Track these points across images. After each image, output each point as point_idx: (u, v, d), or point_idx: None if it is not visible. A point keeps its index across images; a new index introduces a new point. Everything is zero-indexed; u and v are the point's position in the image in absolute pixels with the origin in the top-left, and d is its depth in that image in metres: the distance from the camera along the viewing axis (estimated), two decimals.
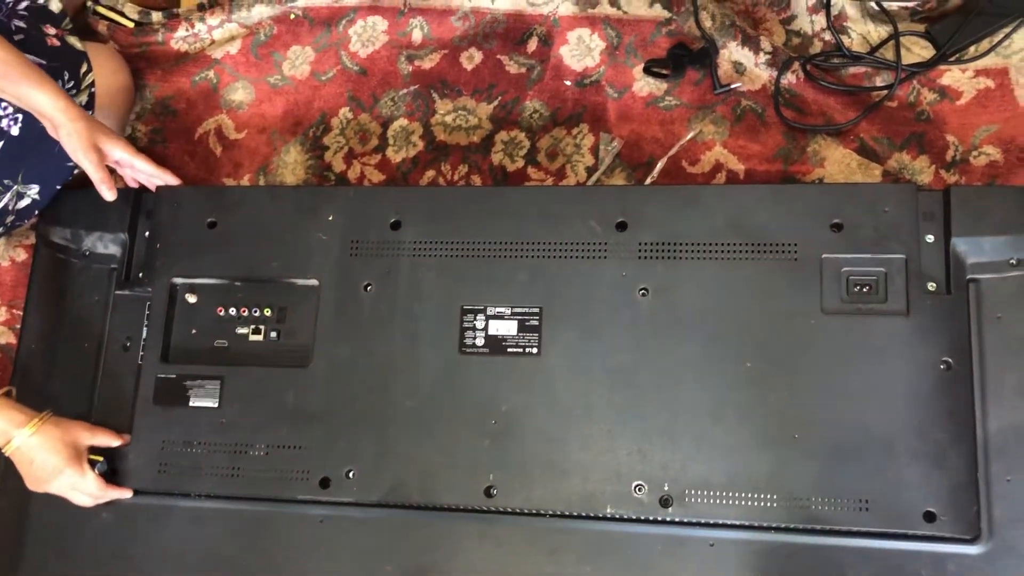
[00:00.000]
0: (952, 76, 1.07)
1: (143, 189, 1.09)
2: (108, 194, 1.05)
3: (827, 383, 0.89)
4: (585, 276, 0.96)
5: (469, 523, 0.93)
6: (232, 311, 1.03)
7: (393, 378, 0.97)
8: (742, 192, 0.96)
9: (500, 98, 1.16)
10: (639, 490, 0.90)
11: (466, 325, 0.97)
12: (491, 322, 0.96)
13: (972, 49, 1.07)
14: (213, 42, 1.27)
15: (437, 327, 0.97)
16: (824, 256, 0.92)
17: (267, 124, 1.21)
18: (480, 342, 0.96)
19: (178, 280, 1.04)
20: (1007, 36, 1.05)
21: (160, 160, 1.21)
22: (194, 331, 1.04)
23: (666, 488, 0.89)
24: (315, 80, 1.23)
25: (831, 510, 0.87)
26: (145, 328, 1.04)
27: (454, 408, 0.95)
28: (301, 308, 1.02)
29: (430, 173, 1.15)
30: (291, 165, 1.19)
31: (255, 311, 1.02)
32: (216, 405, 1.00)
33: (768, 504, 0.88)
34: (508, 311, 0.96)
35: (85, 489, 0.96)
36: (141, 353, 1.03)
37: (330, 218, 1.02)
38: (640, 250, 0.95)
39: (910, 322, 0.89)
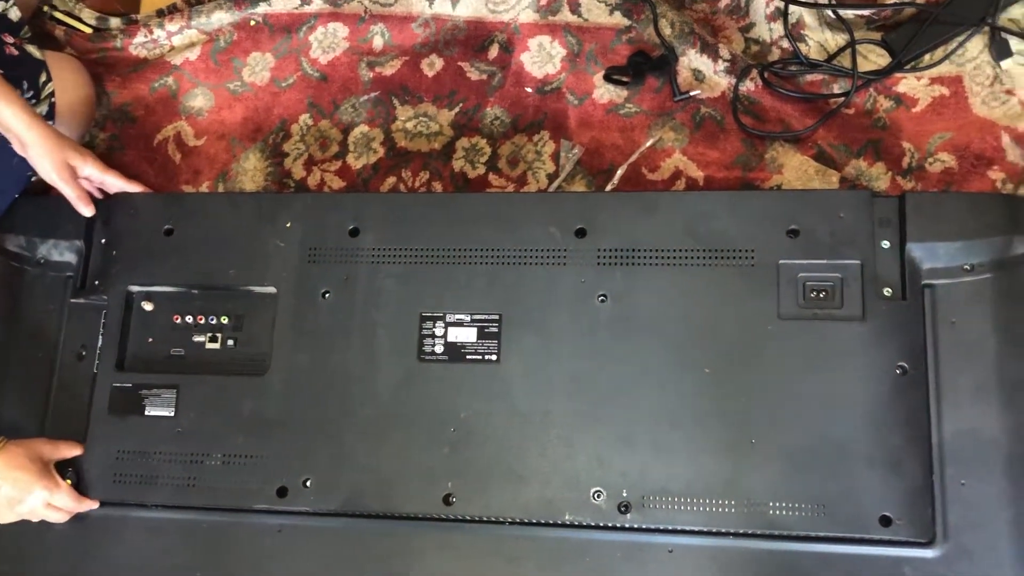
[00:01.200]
0: (908, 84, 1.08)
1: (104, 196, 1.08)
2: (86, 210, 1.04)
3: (784, 388, 0.89)
4: (544, 282, 0.96)
5: (428, 532, 0.93)
6: (189, 319, 1.02)
7: (351, 386, 0.96)
8: (700, 199, 0.96)
9: (461, 105, 1.16)
10: (597, 496, 0.90)
11: (425, 332, 0.96)
12: (450, 329, 0.96)
13: (927, 57, 1.08)
14: (172, 48, 1.26)
15: (396, 334, 0.97)
16: (781, 262, 0.92)
17: (226, 131, 1.20)
18: (439, 349, 0.95)
19: (134, 288, 1.03)
20: (960, 45, 1.06)
21: (119, 167, 1.20)
22: (150, 339, 1.03)
23: (624, 494, 0.89)
24: (275, 87, 1.22)
25: (788, 515, 0.87)
26: (100, 336, 1.02)
27: (412, 416, 0.95)
28: (259, 316, 1.01)
29: (391, 180, 1.14)
30: (250, 172, 1.18)
31: (212, 319, 1.02)
32: (172, 414, 0.98)
33: (726, 509, 0.88)
34: (467, 318, 0.96)
35: (60, 502, 0.95)
36: (96, 362, 1.01)
37: (288, 225, 1.02)
38: (599, 256, 0.95)
39: (866, 327, 0.90)
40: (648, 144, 1.10)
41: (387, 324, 0.97)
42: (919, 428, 0.87)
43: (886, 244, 0.91)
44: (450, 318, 0.96)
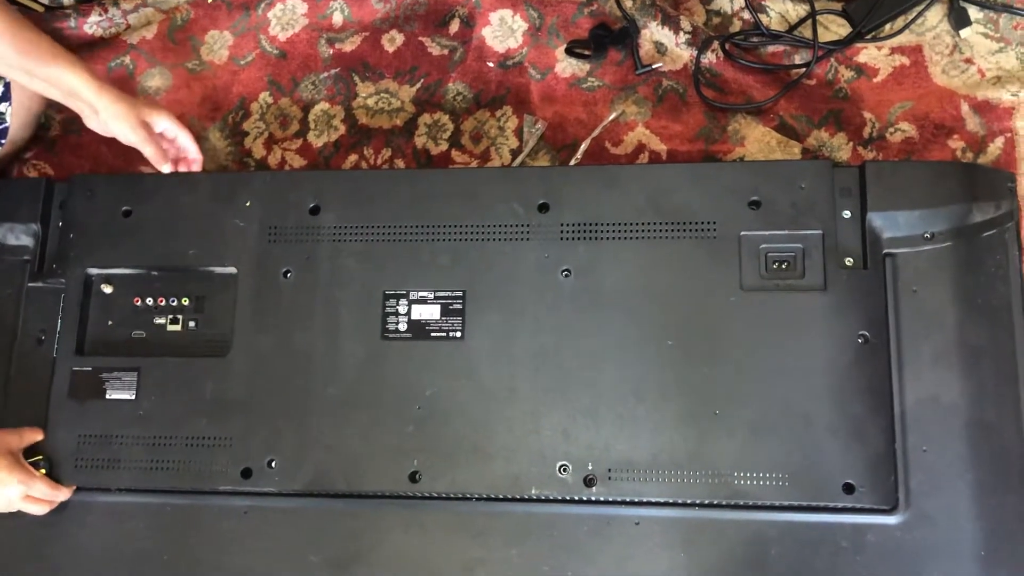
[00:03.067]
0: (868, 54, 1.08)
1: (54, 179, 1.06)
2: (165, 167, 1.04)
3: (747, 359, 0.90)
4: (508, 258, 0.95)
5: (394, 510, 0.92)
6: (149, 301, 1.01)
7: (314, 365, 0.96)
8: (661, 172, 0.96)
9: (423, 80, 1.15)
10: (563, 470, 0.90)
11: (388, 310, 0.96)
12: (414, 307, 0.95)
13: (887, 27, 1.08)
14: (128, 27, 1.24)
15: (358, 313, 0.96)
16: (742, 233, 0.92)
17: (185, 110, 1.18)
18: (403, 327, 0.95)
19: (93, 271, 1.02)
20: (920, 14, 1.07)
21: (75, 149, 1.18)
22: (110, 322, 1.01)
23: (590, 467, 0.90)
24: (234, 65, 1.20)
25: (752, 484, 0.88)
26: (60, 320, 1.00)
27: (377, 394, 0.94)
28: (220, 296, 1.00)
29: (352, 157, 1.13)
30: (210, 152, 1.16)
31: (173, 301, 1.01)
32: (133, 397, 0.98)
33: (691, 480, 0.89)
34: (431, 295, 0.95)
35: (39, 493, 0.93)
36: (56, 346, 1.00)
37: (247, 204, 1.01)
38: (562, 231, 0.95)
39: (827, 297, 0.90)
40: (611, 118, 1.10)
41: (350, 303, 0.97)
42: (881, 396, 0.88)
43: (847, 214, 0.92)
44: (413, 295, 0.96)
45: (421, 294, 0.96)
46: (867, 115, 1.06)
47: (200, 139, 1.17)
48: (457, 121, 1.13)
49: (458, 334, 0.94)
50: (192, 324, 1.01)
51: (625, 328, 0.92)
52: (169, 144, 1.07)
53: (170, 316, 1.01)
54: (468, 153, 1.12)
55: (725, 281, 0.92)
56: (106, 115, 0.99)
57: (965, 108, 1.04)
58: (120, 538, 0.96)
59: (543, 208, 0.96)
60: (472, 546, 0.93)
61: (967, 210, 0.92)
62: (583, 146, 1.08)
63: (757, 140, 1.06)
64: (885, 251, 0.91)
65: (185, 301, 1.01)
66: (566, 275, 0.94)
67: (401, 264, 0.97)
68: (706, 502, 0.89)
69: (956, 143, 1.03)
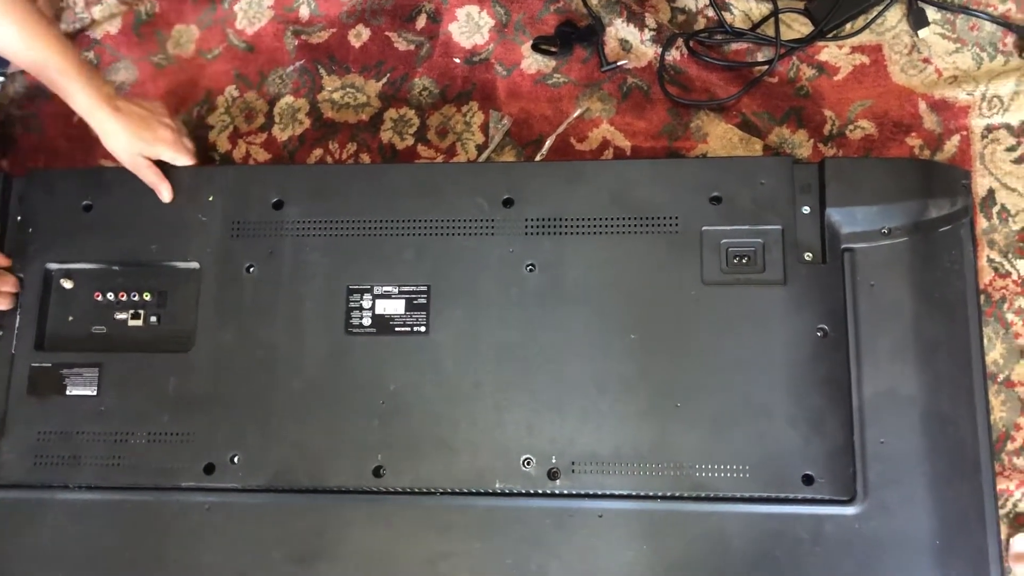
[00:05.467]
0: (830, 52, 1.09)
1: (12, 174, 1.04)
2: (166, 195, 1.00)
3: (708, 352, 0.91)
4: (473, 253, 0.96)
5: (358, 505, 0.92)
6: (110, 296, 1.00)
7: (278, 361, 0.96)
8: (624, 167, 0.97)
9: (389, 75, 1.15)
10: (527, 464, 0.90)
11: (352, 305, 0.96)
12: (378, 301, 0.95)
13: (848, 26, 1.10)
14: (93, 21, 1.22)
15: (322, 308, 0.96)
16: (704, 228, 0.93)
17: None
18: (367, 322, 0.95)
19: (53, 265, 1.01)
20: (880, 14, 1.08)
21: (35, 147, 1.17)
22: (71, 318, 1.00)
23: (554, 461, 0.90)
24: (201, 58, 1.19)
25: (714, 476, 0.89)
26: (18, 316, 0.99)
27: (341, 389, 0.94)
28: (182, 292, 1.00)
29: (317, 152, 1.13)
30: None
31: (134, 296, 1.00)
32: (95, 393, 0.97)
33: (653, 473, 0.90)
34: (395, 290, 0.96)
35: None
36: (14, 342, 0.99)
37: (210, 199, 1.00)
38: (527, 226, 0.96)
39: (787, 291, 0.92)
40: (576, 114, 1.10)
41: (313, 298, 0.97)
42: (839, 389, 0.90)
43: (807, 209, 0.93)
44: (378, 290, 0.96)
45: (385, 289, 0.96)
46: (828, 113, 1.07)
47: None
48: (423, 116, 1.13)
49: (422, 329, 0.94)
50: (154, 319, 1.00)
51: (589, 322, 0.93)
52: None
53: (132, 311, 1.00)
54: (434, 148, 1.12)
55: (687, 275, 0.93)
56: (106, 139, 0.98)
57: (923, 107, 1.06)
58: (81, 536, 0.95)
59: (508, 203, 0.96)
60: (436, 540, 0.93)
61: (924, 206, 0.93)
62: (548, 142, 1.09)
63: (720, 137, 1.07)
64: (844, 246, 0.92)
65: (147, 296, 1.00)
66: (531, 269, 0.94)
67: (365, 259, 0.97)
68: (668, 494, 0.89)
69: (914, 141, 1.05)
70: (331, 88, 1.16)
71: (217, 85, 1.18)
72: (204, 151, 1.15)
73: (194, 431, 0.95)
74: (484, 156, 1.10)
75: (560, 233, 0.95)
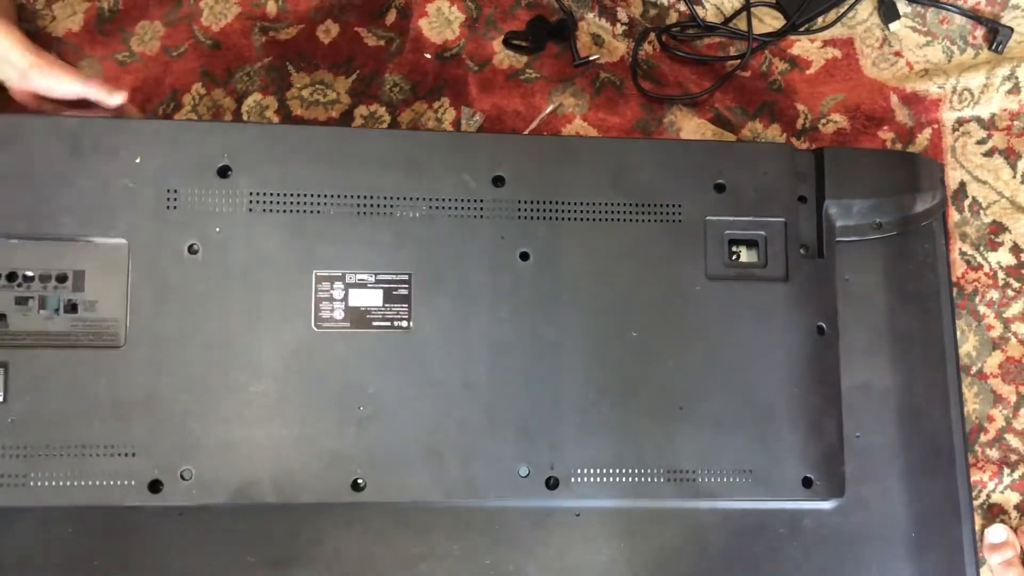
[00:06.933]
0: (802, 46, 1.09)
1: None
2: (118, 96, 0.90)
3: (712, 351, 0.86)
4: (460, 237, 0.85)
5: (334, 510, 0.85)
6: (13, 278, 0.83)
7: (233, 358, 0.82)
8: (624, 146, 0.90)
9: (359, 72, 1.13)
10: (523, 473, 0.85)
11: (321, 295, 0.84)
12: (351, 291, 0.83)
13: (820, 20, 1.10)
14: (54, 19, 1.20)
15: (285, 297, 0.83)
16: (708, 218, 0.89)
17: None
18: (339, 315, 0.83)
19: None
20: (852, 7, 1.08)
21: None
22: None
23: (552, 469, 0.85)
24: (166, 56, 1.17)
25: (716, 482, 0.85)
26: None
27: (311, 392, 0.82)
28: (106, 274, 0.82)
29: None
30: None
31: (44, 278, 0.83)
32: (1, 399, 0.81)
33: (656, 479, 0.85)
34: (371, 278, 0.84)
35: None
36: None
37: (137, 160, 0.82)
38: (520, 209, 0.86)
39: (789, 287, 0.88)
40: (549, 110, 1.09)
41: (274, 286, 0.83)
42: (833, 387, 0.88)
43: (804, 200, 0.90)
44: (351, 278, 0.84)
45: (360, 277, 0.84)
46: (800, 107, 1.07)
47: None
48: (394, 112, 1.12)
49: (404, 323, 0.84)
50: (71, 308, 0.83)
51: (587, 318, 0.86)
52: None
53: (42, 296, 0.83)
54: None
55: (690, 269, 0.88)
56: (41, 66, 0.88)
57: (894, 100, 1.06)
58: (46, 544, 0.86)
59: (498, 181, 0.86)
60: (413, 542, 0.91)
61: (913, 200, 0.93)
62: None
63: (693, 132, 1.07)
64: (838, 239, 0.90)
65: (61, 279, 0.83)
66: (525, 258, 0.86)
67: (335, 240, 0.84)
68: (672, 503, 0.86)
69: (886, 134, 1.05)
70: (300, 85, 1.14)
71: (183, 83, 1.16)
72: None
73: (133, 442, 0.81)
74: None
75: (556, 219, 0.87)
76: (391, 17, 1.15)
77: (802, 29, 1.09)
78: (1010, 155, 1.05)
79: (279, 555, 0.92)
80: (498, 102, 1.10)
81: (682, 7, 1.12)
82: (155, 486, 0.81)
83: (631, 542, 0.91)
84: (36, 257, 0.83)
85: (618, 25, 1.10)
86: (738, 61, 1.08)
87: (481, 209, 0.86)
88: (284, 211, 0.84)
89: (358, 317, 0.84)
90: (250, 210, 0.83)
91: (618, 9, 1.11)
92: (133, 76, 1.17)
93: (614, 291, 0.87)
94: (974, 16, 1.07)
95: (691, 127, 1.07)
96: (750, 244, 0.89)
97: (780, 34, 1.08)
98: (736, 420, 0.86)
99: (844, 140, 1.05)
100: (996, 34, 1.07)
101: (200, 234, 0.82)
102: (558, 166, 0.87)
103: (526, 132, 1.08)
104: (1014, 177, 1.04)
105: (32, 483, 0.80)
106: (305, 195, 0.84)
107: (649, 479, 0.86)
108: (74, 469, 0.81)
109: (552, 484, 0.85)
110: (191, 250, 0.83)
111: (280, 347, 0.83)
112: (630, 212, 0.88)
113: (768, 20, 1.10)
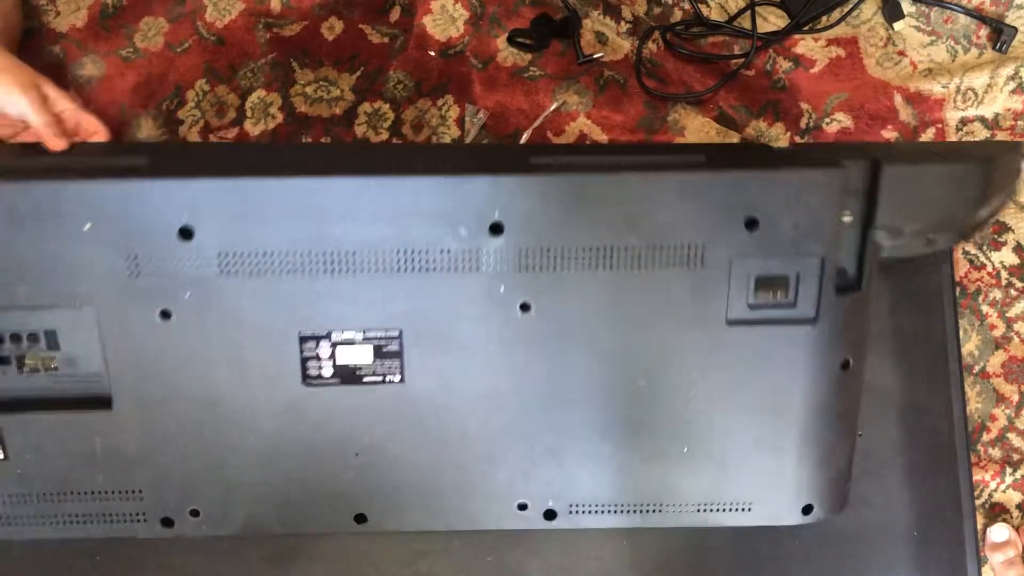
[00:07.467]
0: (806, 45, 1.09)
1: None
2: (59, 143, 0.85)
3: (723, 397, 0.81)
4: (455, 292, 0.76)
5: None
6: None
7: (225, 415, 0.79)
8: (644, 184, 0.75)
9: (363, 68, 1.14)
10: (523, 509, 0.83)
11: (307, 355, 0.78)
12: (339, 349, 0.77)
13: (824, 19, 1.10)
14: (57, 14, 1.20)
15: (269, 358, 0.77)
16: (734, 259, 0.76)
17: (117, 98, 1.15)
18: (328, 372, 0.78)
19: None
20: (856, 6, 1.08)
21: None
22: None
23: (551, 504, 0.83)
24: (170, 52, 1.17)
25: (714, 512, 0.84)
26: None
27: (307, 443, 0.80)
28: (79, 332, 0.77)
29: None
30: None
31: (15, 338, 0.78)
32: (2, 456, 0.80)
33: (654, 511, 0.84)
34: (359, 336, 0.77)
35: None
36: None
37: (87, 227, 0.73)
38: (520, 258, 0.76)
39: (817, 329, 0.78)
40: (553, 108, 1.09)
41: (256, 347, 0.77)
42: (851, 419, 0.83)
43: (847, 223, 0.77)
44: (337, 336, 0.77)
45: (347, 335, 0.77)
46: (804, 106, 1.07)
47: (131, 127, 1.14)
48: (398, 110, 1.12)
49: (396, 378, 0.78)
50: (51, 366, 0.79)
51: (593, 368, 0.79)
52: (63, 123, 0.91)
53: (18, 355, 0.79)
54: (409, 143, 1.11)
55: (709, 314, 0.78)
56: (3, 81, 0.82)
57: (898, 99, 1.06)
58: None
59: (495, 229, 0.74)
60: (414, 538, 0.92)
61: (978, 209, 0.82)
62: (525, 136, 1.08)
63: (697, 130, 1.07)
64: (881, 260, 0.81)
65: (33, 338, 0.78)
66: (525, 309, 0.77)
67: (316, 300, 0.76)
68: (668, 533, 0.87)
69: (890, 133, 1.05)
70: (304, 82, 1.14)
71: (187, 79, 1.16)
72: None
73: (140, 487, 0.81)
74: None
75: (561, 268, 0.76)
76: (395, 14, 1.15)
77: (806, 28, 1.09)
78: None
79: (279, 551, 0.92)
80: (502, 100, 1.10)
81: (686, 5, 1.11)
82: (167, 522, 0.82)
83: (633, 540, 0.91)
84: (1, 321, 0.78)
85: (622, 23, 1.11)
86: (742, 60, 1.08)
87: (478, 260, 0.75)
88: (258, 272, 0.75)
89: (348, 374, 0.79)
90: (221, 272, 0.75)
91: (622, 7, 1.11)
92: (136, 72, 1.17)
93: (623, 341, 0.79)
94: (978, 16, 1.07)
95: (695, 125, 1.07)
96: (778, 281, 0.77)
97: (784, 33, 1.08)
98: (742, 457, 0.82)
99: (848, 139, 1.05)
100: (1000, 34, 1.07)
101: (170, 299, 0.76)
102: (565, 207, 0.75)
103: (530, 130, 1.08)
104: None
105: (48, 523, 0.82)
106: (278, 253, 0.75)
107: (647, 511, 0.83)
108: (87, 510, 0.82)
109: (549, 515, 0.83)
110: (164, 315, 0.76)
111: (270, 404, 0.79)
112: (645, 255, 0.76)
113: (772, 19, 1.10)
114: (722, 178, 0.76)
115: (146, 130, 1.14)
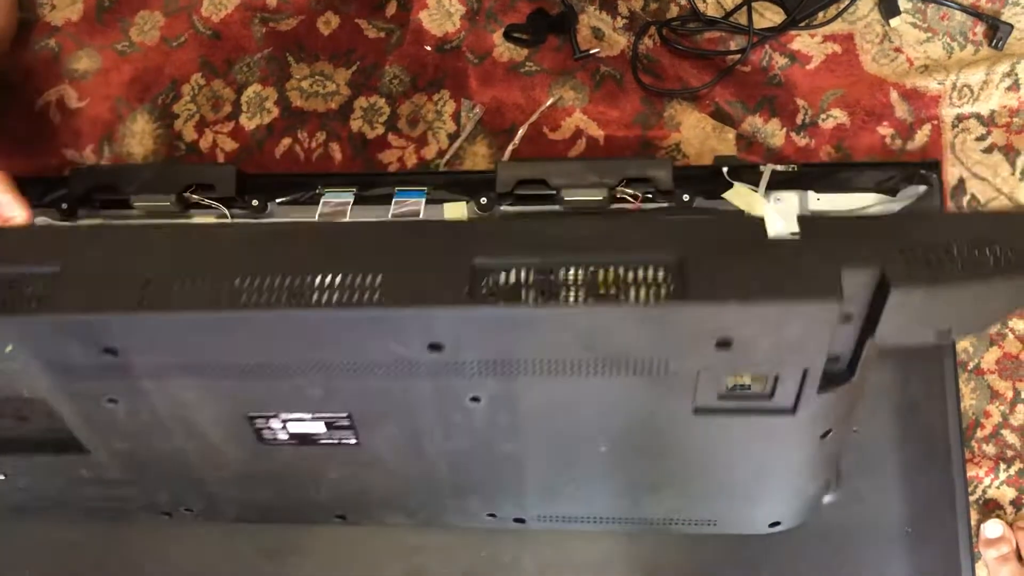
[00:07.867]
0: (802, 41, 1.09)
1: None
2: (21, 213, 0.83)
3: (690, 478, 0.77)
4: (399, 392, 0.69)
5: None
6: None
7: (194, 464, 0.77)
8: (597, 317, 0.62)
9: (359, 63, 1.13)
10: (491, 518, 0.85)
11: (260, 426, 0.74)
12: (290, 423, 0.73)
13: (820, 15, 1.09)
14: (53, 7, 1.19)
15: (223, 428, 0.73)
16: (702, 371, 0.65)
17: (112, 92, 1.15)
18: (283, 438, 0.75)
19: None
20: (852, 3, 1.08)
21: None
22: None
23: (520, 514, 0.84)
24: (166, 46, 1.17)
25: (681, 527, 0.84)
26: None
27: (275, 484, 0.82)
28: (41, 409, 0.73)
29: (286, 141, 1.11)
30: (138, 135, 1.13)
31: None
32: (3, 477, 0.82)
33: (618, 524, 0.85)
34: (308, 416, 0.73)
35: None
36: None
37: (8, 349, 0.66)
38: (465, 368, 0.66)
39: (796, 419, 0.68)
40: (549, 103, 1.09)
41: (207, 423, 0.73)
42: (833, 463, 0.79)
43: (845, 334, 0.64)
44: (286, 415, 0.73)
45: (296, 415, 0.73)
46: (800, 101, 1.07)
47: (126, 121, 1.14)
48: (394, 105, 1.12)
49: (352, 441, 0.75)
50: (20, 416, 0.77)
51: (550, 441, 0.74)
52: None
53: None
54: (405, 137, 1.11)
55: (674, 408, 0.68)
56: None
57: (894, 96, 1.06)
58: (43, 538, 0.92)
59: (435, 348, 0.65)
60: (410, 534, 0.92)
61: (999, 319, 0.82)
62: (521, 131, 1.08)
63: (693, 126, 1.07)
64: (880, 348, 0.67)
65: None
66: (475, 401, 0.70)
67: (260, 395, 0.70)
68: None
69: (886, 130, 1.05)
70: (299, 76, 1.14)
71: (183, 73, 1.16)
72: (170, 140, 1.13)
73: (133, 496, 0.83)
74: (456, 145, 1.09)
75: (510, 374, 0.66)
76: (391, 9, 1.15)
77: (802, 24, 1.09)
78: (1009, 152, 1.05)
79: (275, 545, 0.92)
80: (498, 95, 1.10)
81: (682, 1, 1.11)
82: (166, 514, 0.87)
83: (628, 535, 0.91)
84: None
85: (619, 19, 1.10)
86: (738, 56, 1.08)
87: (420, 369, 0.67)
88: (191, 380, 0.68)
89: (303, 438, 0.75)
90: (153, 379, 0.68)
91: (618, 2, 1.11)
92: (132, 66, 1.17)
93: (579, 429, 0.72)
94: (974, 13, 1.07)
95: (691, 121, 1.07)
96: (753, 380, 0.68)
97: (780, 29, 1.08)
98: (706, 497, 0.80)
99: (844, 135, 1.05)
100: (996, 31, 1.07)
101: (112, 392, 0.69)
102: (508, 335, 0.64)
103: (526, 125, 1.08)
104: (1013, 174, 1.04)
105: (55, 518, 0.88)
106: (209, 368, 0.67)
107: (613, 524, 0.84)
108: (87, 509, 0.87)
109: (518, 521, 0.84)
110: (110, 402, 0.70)
111: (235, 457, 0.77)
112: (602, 368, 0.65)
113: (768, 15, 1.10)
114: (690, 310, 0.61)
115: (141, 124, 1.14)
